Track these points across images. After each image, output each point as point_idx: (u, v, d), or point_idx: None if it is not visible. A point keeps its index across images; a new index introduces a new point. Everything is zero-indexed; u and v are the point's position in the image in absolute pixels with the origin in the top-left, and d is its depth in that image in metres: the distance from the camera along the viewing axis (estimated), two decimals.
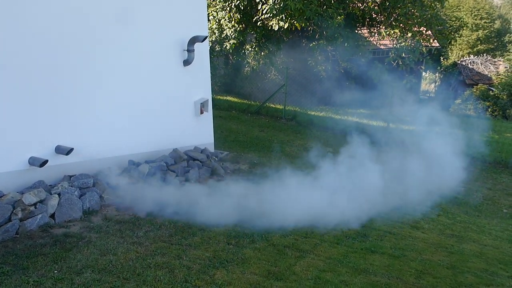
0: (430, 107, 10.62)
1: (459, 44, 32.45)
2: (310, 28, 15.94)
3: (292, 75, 16.97)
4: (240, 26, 16.19)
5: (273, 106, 16.62)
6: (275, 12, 14.11)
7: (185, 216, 5.71)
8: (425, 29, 16.24)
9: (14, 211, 5.04)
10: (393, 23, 16.04)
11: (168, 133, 7.73)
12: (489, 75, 25.64)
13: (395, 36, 16.36)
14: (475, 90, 22.05)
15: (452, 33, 18.69)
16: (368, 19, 16.88)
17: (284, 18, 14.31)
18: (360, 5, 15.89)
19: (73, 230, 5.10)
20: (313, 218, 5.98)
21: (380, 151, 8.75)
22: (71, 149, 5.96)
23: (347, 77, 17.25)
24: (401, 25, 15.81)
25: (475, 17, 33.17)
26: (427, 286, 4.50)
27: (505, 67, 25.88)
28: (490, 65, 26.71)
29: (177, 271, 4.29)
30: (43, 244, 4.68)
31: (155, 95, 7.41)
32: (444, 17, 26.41)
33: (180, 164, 7.38)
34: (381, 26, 17.05)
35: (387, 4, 15.26)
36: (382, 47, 19.68)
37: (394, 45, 16.28)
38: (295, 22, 14.24)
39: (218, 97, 17.52)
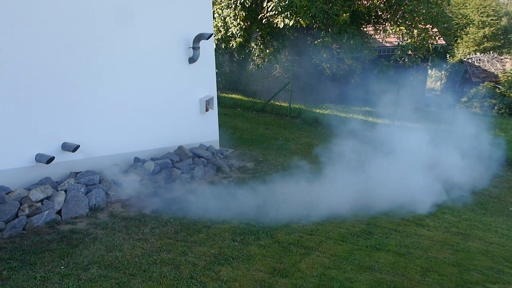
0: (436, 105, 10.58)
1: (465, 42, 32.26)
2: (315, 26, 15.90)
3: (297, 73, 16.97)
4: (245, 23, 16.18)
5: (278, 103, 16.62)
6: (280, 9, 14.08)
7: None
8: (431, 26, 16.14)
9: (21, 207, 5.08)
10: (399, 20, 15.96)
11: (173, 130, 7.75)
12: (495, 73, 25.46)
13: (401, 34, 16.29)
14: (481, 88, 21.90)
15: (458, 31, 18.53)
16: (373, 16, 16.79)
17: (289, 15, 14.27)
18: (366, 2, 15.80)
19: (80, 227, 5.13)
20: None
21: (384, 149, 8.71)
22: (78, 146, 6.00)
23: (353, 75, 17.20)
24: (407, 22, 15.72)
25: (482, 15, 32.95)
26: (433, 283, 4.49)
27: None
28: (496, 62, 26.52)
29: (182, 267, 4.31)
30: (50, 240, 4.71)
31: (160, 92, 7.44)
32: (450, 15, 26.25)
33: (185, 162, 7.40)
34: (386, 24, 16.97)
35: (393, 1, 15.18)
36: (387, 44, 19.59)
37: (400, 43, 16.21)
38: (300, 19, 14.19)
39: (223, 94, 17.54)
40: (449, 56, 28.05)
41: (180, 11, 7.59)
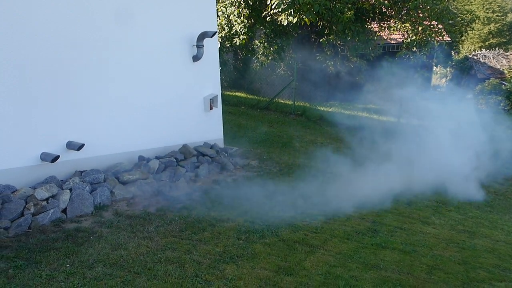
0: (441, 101, 10.53)
1: (470, 38, 32.03)
2: (320, 23, 15.85)
3: (301, 71, 16.93)
4: (249, 21, 16.14)
5: (282, 101, 16.59)
6: (284, 7, 14.04)
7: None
8: (436, 23, 16.05)
9: (26, 206, 5.09)
10: (404, 17, 15.89)
11: (177, 129, 7.75)
12: (501, 69, 25.29)
13: (405, 30, 16.20)
14: (487, 85, 21.76)
15: (464, 27, 18.43)
16: (378, 13, 16.72)
17: (293, 13, 14.23)
18: None
19: (85, 225, 5.15)
20: None
21: (392, 146, 8.69)
22: (82, 145, 6.01)
23: (357, 72, 17.15)
24: (412, 19, 15.64)
25: (487, 11, 32.70)
26: (439, 281, 4.47)
27: None
28: (502, 59, 26.34)
29: (187, 265, 4.31)
30: (55, 238, 4.73)
31: (164, 91, 7.43)
32: (456, 11, 26.08)
33: (189, 160, 7.40)
34: (391, 20, 16.89)
35: None
36: (392, 41, 19.51)
37: (405, 40, 16.13)
38: (304, 17, 14.15)
39: (227, 92, 17.54)
40: (455, 53, 27.89)
41: (184, 9, 7.58)
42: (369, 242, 5.30)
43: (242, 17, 15.94)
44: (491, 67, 25.88)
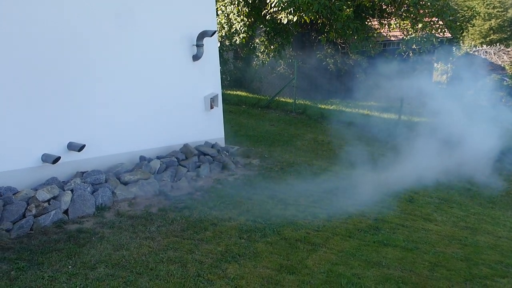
0: (442, 98, 10.53)
1: (471, 34, 31.95)
2: (319, 21, 15.82)
3: (301, 69, 16.91)
4: (249, 20, 16.13)
5: (283, 100, 16.58)
6: (283, 5, 14.03)
7: None
8: (436, 19, 16.01)
9: (28, 207, 5.10)
10: (404, 14, 15.85)
11: (178, 128, 7.75)
12: (502, 65, 25.22)
13: (405, 27, 16.17)
14: (488, 81, 21.70)
15: (464, 23, 18.40)
16: (378, 10, 16.69)
17: (292, 11, 14.22)
18: None
19: (87, 226, 5.15)
20: None
21: (394, 144, 8.69)
22: (83, 146, 6.01)
23: (358, 70, 17.12)
24: (412, 15, 15.61)
25: (488, 6, 32.61)
26: (441, 278, 4.46)
27: None
28: (503, 54, 26.27)
29: (189, 265, 4.31)
30: (57, 239, 4.73)
31: (165, 90, 7.43)
32: (456, 7, 25.99)
33: (191, 159, 7.39)
34: (391, 17, 16.86)
35: None
36: (392, 38, 19.46)
37: (405, 37, 16.10)
38: (303, 15, 14.14)
39: (228, 91, 17.53)
40: (455, 49, 27.81)
41: (184, 8, 7.57)
42: (371, 240, 5.29)
43: (241, 16, 15.94)
44: (492, 63, 25.81)
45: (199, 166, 7.37)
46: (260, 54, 17.59)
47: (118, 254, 4.46)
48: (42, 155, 5.73)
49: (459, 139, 8.58)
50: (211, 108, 8.27)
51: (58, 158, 5.72)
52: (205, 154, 7.72)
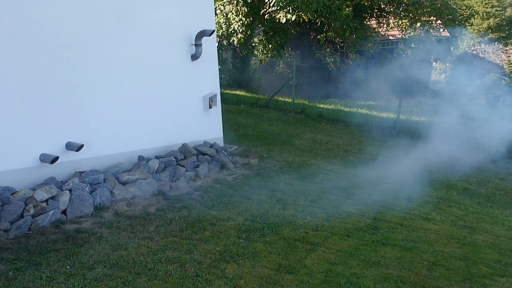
0: (440, 97, 10.55)
1: (469, 33, 31.96)
2: (318, 20, 15.82)
3: (300, 68, 16.92)
4: (248, 19, 16.12)
5: (281, 99, 16.58)
6: (282, 4, 14.02)
7: None
8: (434, 18, 16.02)
9: (26, 207, 5.09)
10: (402, 13, 15.86)
11: (177, 128, 7.74)
12: (500, 64, 25.24)
13: (404, 26, 16.18)
14: (486, 80, 21.71)
15: (463, 22, 18.43)
16: (376, 10, 16.70)
17: (291, 10, 14.21)
18: None
19: (85, 226, 5.14)
20: None
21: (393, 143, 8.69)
22: (82, 146, 6.00)
23: (357, 69, 17.14)
24: (410, 15, 15.62)
25: (486, 5, 32.66)
26: (440, 277, 4.46)
27: None
28: (501, 53, 26.29)
29: (188, 265, 4.30)
30: (55, 240, 4.72)
31: (163, 90, 7.42)
32: (454, 6, 26.01)
33: (189, 159, 7.39)
34: (390, 17, 16.87)
35: None
36: (391, 38, 19.48)
37: (403, 36, 16.11)
38: (302, 14, 14.13)
39: (227, 91, 17.52)
40: (454, 48, 27.82)
41: (182, 8, 7.56)
42: (370, 239, 5.29)
43: (240, 15, 15.93)
44: (491, 62, 25.83)
45: (197, 166, 7.36)
46: (258, 54, 17.58)
47: (116, 254, 4.45)
48: (40, 155, 5.72)
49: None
50: (209, 108, 8.26)
51: (56, 158, 5.71)
52: (203, 154, 7.71)
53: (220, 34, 16.28)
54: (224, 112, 9.36)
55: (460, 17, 17.72)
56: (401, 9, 15.80)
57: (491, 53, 26.26)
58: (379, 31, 17.78)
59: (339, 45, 17.34)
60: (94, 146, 6.34)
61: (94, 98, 6.37)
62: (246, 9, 15.89)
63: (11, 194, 5.23)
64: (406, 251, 5.06)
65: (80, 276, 4.00)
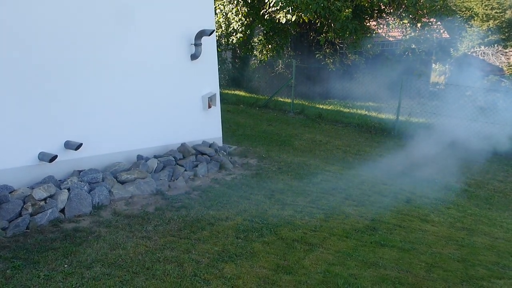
0: (439, 99, 10.57)
1: (469, 35, 32.00)
2: (318, 21, 15.83)
3: (300, 69, 16.91)
4: (247, 19, 16.13)
5: (281, 99, 16.58)
6: (282, 4, 14.03)
7: None
8: (434, 20, 16.04)
9: (24, 206, 5.08)
10: (402, 14, 15.88)
11: (176, 127, 7.73)
12: (500, 66, 25.28)
13: (404, 28, 16.20)
14: (485, 82, 21.75)
15: (462, 24, 18.47)
16: (376, 11, 16.71)
17: (291, 11, 14.22)
18: None
19: (83, 225, 5.13)
20: None
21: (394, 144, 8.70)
22: (80, 144, 6.00)
23: (356, 70, 17.15)
24: (410, 16, 15.64)
25: (486, 7, 32.66)
26: (438, 279, 4.46)
27: None
28: (501, 56, 26.33)
29: (186, 265, 4.30)
30: (53, 238, 4.71)
31: (162, 90, 7.42)
32: (454, 8, 26.05)
33: (188, 159, 7.38)
34: (389, 18, 16.89)
35: None
36: (391, 39, 19.50)
37: (403, 37, 16.13)
38: (302, 15, 14.14)
39: (226, 91, 17.51)
40: (453, 50, 27.87)
41: (182, 7, 7.55)
42: (368, 240, 5.29)
43: (240, 15, 15.93)
44: (490, 64, 25.87)
45: (196, 166, 7.36)
46: (258, 54, 17.59)
47: (114, 253, 4.44)
48: (39, 153, 5.71)
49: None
50: (209, 108, 8.26)
51: (55, 157, 5.70)
52: (202, 154, 7.71)
53: (219, 33, 16.28)
54: (223, 112, 9.36)
55: (460, 19, 17.74)
56: (401, 10, 15.82)
57: (490, 55, 26.29)
58: (379, 32, 17.80)
59: (339, 46, 17.35)
60: (93, 145, 6.33)
61: (93, 97, 6.36)
62: (246, 9, 15.90)
63: (9, 193, 5.22)
64: (404, 252, 5.06)
65: (78, 275, 4.00)
